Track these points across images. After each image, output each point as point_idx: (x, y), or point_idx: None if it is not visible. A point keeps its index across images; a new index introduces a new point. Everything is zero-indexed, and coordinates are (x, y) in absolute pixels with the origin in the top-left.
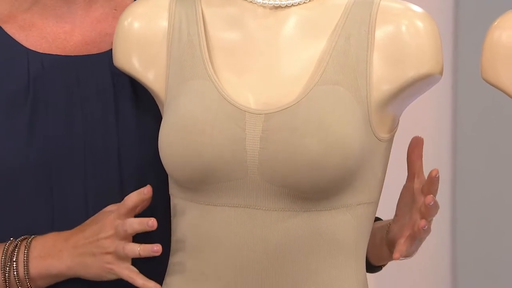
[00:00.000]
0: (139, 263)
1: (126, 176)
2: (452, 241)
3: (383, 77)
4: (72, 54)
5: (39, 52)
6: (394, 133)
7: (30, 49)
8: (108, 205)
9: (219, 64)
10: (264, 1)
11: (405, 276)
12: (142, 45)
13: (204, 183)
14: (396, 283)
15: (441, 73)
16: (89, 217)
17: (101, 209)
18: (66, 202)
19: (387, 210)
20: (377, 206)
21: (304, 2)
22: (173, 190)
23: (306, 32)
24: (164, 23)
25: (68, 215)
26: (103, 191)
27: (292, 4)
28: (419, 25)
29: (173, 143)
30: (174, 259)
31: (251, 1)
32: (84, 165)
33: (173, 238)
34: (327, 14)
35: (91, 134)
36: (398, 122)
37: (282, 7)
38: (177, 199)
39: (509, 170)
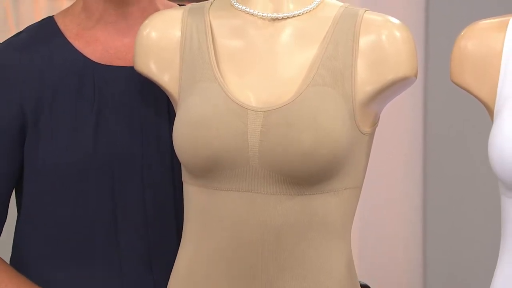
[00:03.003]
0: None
1: (176, 169)
2: (423, 232)
3: (366, 80)
4: (132, 65)
5: (102, 64)
6: (375, 128)
7: (96, 62)
8: (163, 198)
9: (224, 68)
10: (263, 14)
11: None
12: (158, 51)
13: (211, 170)
14: (375, 262)
15: (415, 75)
16: (147, 210)
17: (156, 201)
18: (126, 195)
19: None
20: (361, 190)
21: (298, 15)
22: (185, 177)
23: (300, 40)
24: (177, 33)
25: (127, 208)
26: (158, 184)
27: (288, 17)
28: (397, 34)
29: (185, 136)
30: (186, 236)
31: (252, 14)
32: (141, 162)
33: (185, 219)
34: (318, 24)
35: (146, 134)
36: (378, 118)
37: (279, 19)
38: (189, 185)
39: (475, 160)
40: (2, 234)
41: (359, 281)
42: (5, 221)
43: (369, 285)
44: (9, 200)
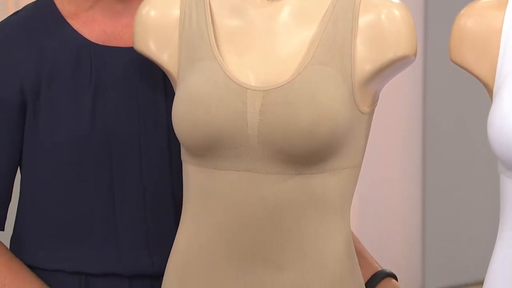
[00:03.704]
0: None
1: (174, 149)
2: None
3: (365, 58)
4: (129, 46)
5: (100, 45)
6: (375, 107)
7: (93, 42)
8: (160, 178)
9: (223, 47)
10: None
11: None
12: (157, 30)
13: (210, 149)
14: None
15: (415, 54)
16: (145, 191)
17: (154, 181)
18: (123, 175)
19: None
20: (360, 169)
21: None
22: (184, 156)
23: (299, 19)
24: (176, 12)
25: (125, 189)
26: (156, 164)
27: None
28: (396, 13)
29: (184, 114)
30: (185, 215)
31: None
32: (138, 140)
33: (184, 198)
34: (317, 3)
35: (144, 114)
36: (378, 98)
37: None
38: (188, 164)
39: (475, 139)
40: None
41: (385, 270)
42: (9, 201)
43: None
44: (13, 180)
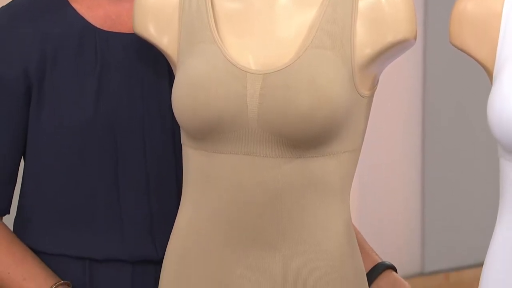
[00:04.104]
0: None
1: (177, 132)
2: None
3: (365, 42)
4: (133, 32)
5: (104, 30)
6: (374, 91)
7: (97, 27)
8: (164, 161)
9: (223, 30)
10: None
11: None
12: (157, 13)
13: (210, 133)
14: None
15: (415, 38)
16: (148, 173)
17: (157, 164)
18: (127, 158)
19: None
20: (360, 153)
21: None
22: (184, 140)
23: (299, 2)
24: None
25: (129, 171)
26: (159, 147)
27: None
28: None
29: (183, 98)
30: (185, 198)
31: None
32: (142, 125)
33: (184, 181)
34: None
35: (147, 98)
36: (377, 81)
37: None
38: (188, 147)
39: (474, 122)
40: None
41: (385, 262)
42: (15, 184)
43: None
44: (19, 163)
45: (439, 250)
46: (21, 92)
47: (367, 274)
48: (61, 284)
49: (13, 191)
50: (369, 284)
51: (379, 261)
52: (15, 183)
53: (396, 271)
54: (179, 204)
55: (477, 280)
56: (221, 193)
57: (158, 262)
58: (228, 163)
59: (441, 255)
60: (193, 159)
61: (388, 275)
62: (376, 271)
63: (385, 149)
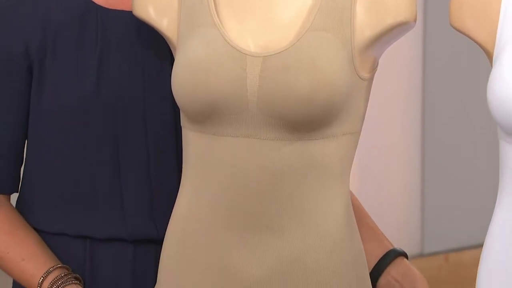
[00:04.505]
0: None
1: (178, 114)
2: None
3: (365, 24)
4: None
5: (106, 8)
6: (374, 73)
7: (99, 5)
8: (165, 142)
9: (223, 13)
10: None
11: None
12: None
13: (210, 116)
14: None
15: (415, 20)
16: (149, 154)
17: (158, 146)
18: (128, 139)
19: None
20: (360, 135)
21: None
22: (184, 122)
23: None
24: None
25: (130, 153)
26: (160, 128)
27: None
28: None
29: (183, 81)
30: (185, 180)
31: None
32: (143, 105)
33: (184, 163)
34: None
35: (148, 78)
36: (377, 64)
37: None
38: (188, 130)
39: (475, 105)
40: None
41: (396, 249)
42: (22, 163)
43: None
44: (25, 140)
45: (439, 232)
46: (23, 70)
47: (379, 261)
48: (60, 267)
49: (20, 170)
50: (381, 272)
51: (391, 248)
52: (22, 162)
53: (407, 257)
54: (179, 184)
55: (476, 261)
56: (221, 176)
57: (159, 242)
58: (227, 145)
59: (440, 237)
60: (192, 141)
61: (399, 263)
62: (388, 258)
63: (384, 132)
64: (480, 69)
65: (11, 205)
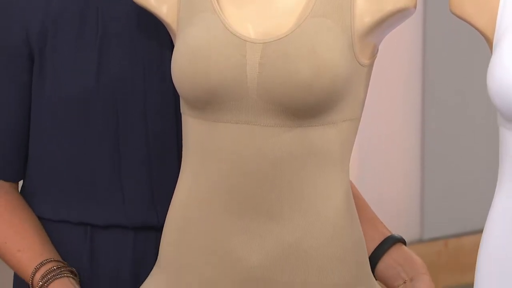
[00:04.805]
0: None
1: (179, 102)
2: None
3: (365, 10)
4: None
5: None
6: (374, 60)
7: None
8: (166, 131)
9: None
10: None
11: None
12: None
13: (210, 102)
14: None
15: (415, 7)
16: (150, 143)
17: (159, 134)
18: (128, 127)
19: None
20: (359, 122)
21: None
22: (184, 109)
23: None
24: None
25: (130, 141)
26: (161, 117)
27: None
28: None
29: (183, 67)
30: (185, 167)
31: None
32: (144, 94)
33: (184, 150)
34: None
35: (149, 67)
36: (377, 50)
37: None
38: (187, 116)
39: (475, 91)
40: None
41: (395, 235)
42: (26, 151)
43: None
44: (28, 128)
45: (438, 217)
46: (24, 58)
47: (377, 247)
48: (55, 261)
49: (25, 157)
50: (379, 257)
51: (389, 234)
52: (26, 149)
53: (405, 244)
54: (180, 172)
55: (476, 247)
56: (221, 162)
57: (159, 229)
58: (227, 132)
59: (440, 222)
60: (192, 128)
61: (397, 250)
62: (386, 244)
63: (384, 119)
64: (480, 56)
65: (16, 193)
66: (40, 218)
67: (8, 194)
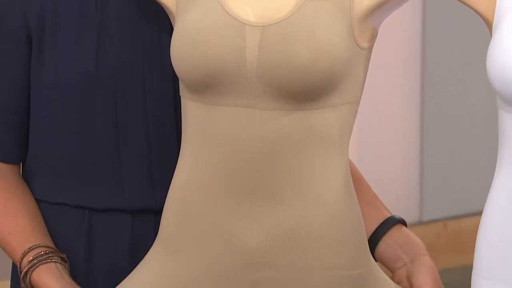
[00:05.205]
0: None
1: (178, 85)
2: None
3: None
4: None
5: None
6: (373, 43)
7: None
8: (165, 114)
9: None
10: None
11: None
12: None
13: (209, 86)
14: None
15: None
16: (148, 126)
17: (158, 117)
18: (128, 111)
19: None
20: (359, 105)
21: None
22: (183, 92)
23: None
24: None
25: (129, 124)
26: (160, 100)
27: None
28: None
29: (182, 50)
30: (184, 150)
31: None
32: (143, 78)
33: (183, 133)
34: None
35: (148, 50)
36: (377, 33)
37: None
38: (187, 99)
39: (474, 74)
40: None
41: (395, 216)
42: (27, 132)
43: None
44: (28, 110)
45: (438, 199)
46: (23, 40)
47: (378, 227)
48: (43, 247)
49: (25, 140)
50: (380, 237)
51: (389, 215)
52: (27, 131)
53: (406, 225)
54: (178, 154)
55: (475, 228)
56: (220, 146)
57: (157, 212)
58: (226, 115)
59: (439, 204)
60: (191, 111)
61: (397, 231)
62: (387, 224)
63: (384, 101)
64: (480, 39)
65: (16, 176)
66: (38, 201)
67: (6, 177)
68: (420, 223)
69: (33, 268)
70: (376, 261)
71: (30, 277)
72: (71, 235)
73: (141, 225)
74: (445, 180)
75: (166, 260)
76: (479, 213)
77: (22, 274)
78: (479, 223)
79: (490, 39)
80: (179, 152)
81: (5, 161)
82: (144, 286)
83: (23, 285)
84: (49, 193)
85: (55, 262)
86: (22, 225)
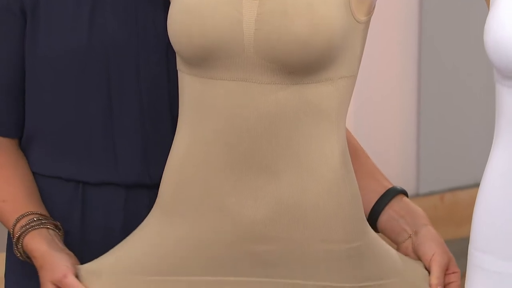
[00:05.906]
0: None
1: (171, 61)
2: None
3: None
4: None
5: None
6: (371, 17)
7: None
8: (158, 89)
9: None
10: None
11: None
12: None
13: (206, 59)
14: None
15: None
16: (142, 102)
17: (151, 93)
18: (121, 86)
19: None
20: (356, 79)
21: None
22: (180, 66)
23: None
24: None
25: (123, 100)
26: (153, 75)
27: None
28: None
29: (179, 25)
30: (181, 124)
31: None
32: (137, 53)
33: (180, 107)
34: None
35: (142, 25)
36: (374, 7)
37: None
38: (184, 74)
39: (471, 47)
40: None
41: (396, 187)
42: (23, 107)
43: None
44: (23, 84)
45: (434, 172)
46: (17, 15)
47: (380, 198)
48: (36, 214)
49: (21, 114)
50: (381, 208)
51: (390, 186)
52: (23, 105)
53: (407, 195)
54: (173, 130)
55: (472, 200)
56: (217, 119)
57: (151, 187)
58: (223, 89)
59: (436, 177)
60: (188, 85)
61: (399, 202)
62: (388, 195)
63: (381, 75)
64: (478, 13)
65: (14, 149)
66: (33, 174)
67: (2, 149)
68: (417, 195)
69: (25, 233)
70: (378, 232)
71: (22, 242)
72: (65, 209)
73: (135, 200)
74: (441, 153)
75: (163, 231)
76: (475, 186)
77: (15, 239)
78: (476, 195)
79: (487, 12)
80: (172, 128)
81: (2, 134)
82: (138, 253)
83: (15, 250)
84: (43, 166)
85: (47, 228)
86: (15, 192)
